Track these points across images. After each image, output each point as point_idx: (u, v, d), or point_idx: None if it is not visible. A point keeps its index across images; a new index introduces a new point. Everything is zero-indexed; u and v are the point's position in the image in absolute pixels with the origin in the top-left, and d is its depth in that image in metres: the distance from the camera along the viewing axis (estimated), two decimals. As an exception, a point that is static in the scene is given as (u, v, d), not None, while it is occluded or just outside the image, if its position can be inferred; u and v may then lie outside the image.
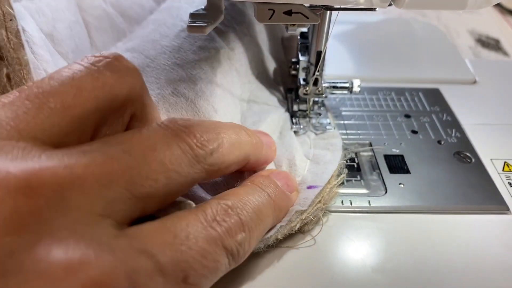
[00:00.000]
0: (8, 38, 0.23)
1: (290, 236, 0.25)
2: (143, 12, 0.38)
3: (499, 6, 0.58)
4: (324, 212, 0.26)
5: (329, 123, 0.34)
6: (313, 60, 0.32)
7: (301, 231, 0.25)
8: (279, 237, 0.23)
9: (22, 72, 0.23)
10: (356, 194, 0.28)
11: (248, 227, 0.20)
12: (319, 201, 0.26)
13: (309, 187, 0.27)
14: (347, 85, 0.34)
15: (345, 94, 0.36)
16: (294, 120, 0.34)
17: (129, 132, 0.19)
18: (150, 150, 0.18)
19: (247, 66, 0.35)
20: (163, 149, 0.18)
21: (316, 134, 0.33)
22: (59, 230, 0.14)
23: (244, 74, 0.34)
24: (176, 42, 0.31)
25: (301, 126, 0.34)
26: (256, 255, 0.24)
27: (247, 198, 0.21)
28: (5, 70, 0.23)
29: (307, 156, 0.30)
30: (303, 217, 0.24)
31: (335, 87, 0.34)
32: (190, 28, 0.24)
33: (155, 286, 0.16)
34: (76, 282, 0.13)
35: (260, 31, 0.39)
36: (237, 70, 0.33)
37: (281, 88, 0.38)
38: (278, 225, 0.23)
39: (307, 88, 0.33)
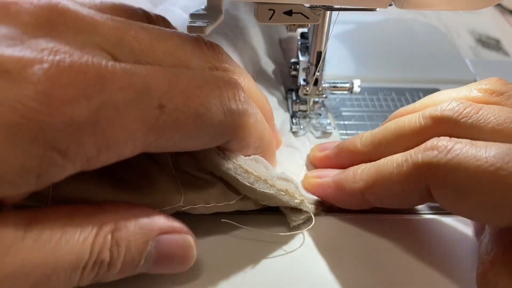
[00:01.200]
0: None
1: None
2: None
3: (499, 6, 0.58)
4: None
5: (329, 123, 0.34)
6: (313, 61, 0.32)
7: (292, 222, 0.25)
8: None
9: None
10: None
11: (253, 109, 0.21)
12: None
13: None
14: (347, 85, 0.34)
15: (345, 94, 0.36)
16: (294, 121, 0.34)
17: None
18: (166, 37, 0.20)
19: None
20: (179, 42, 0.21)
21: (315, 137, 0.33)
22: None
23: None
24: None
25: (301, 127, 0.34)
26: (254, 255, 0.24)
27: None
28: None
29: (304, 161, 0.30)
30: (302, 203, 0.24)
31: (335, 87, 0.34)
32: (190, 28, 0.24)
33: (123, 96, 0.17)
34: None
35: (256, 34, 0.38)
36: None
37: (281, 89, 0.38)
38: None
39: (307, 88, 0.33)
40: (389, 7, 0.24)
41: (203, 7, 0.26)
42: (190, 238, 0.20)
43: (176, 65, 0.20)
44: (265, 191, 0.23)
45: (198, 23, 0.24)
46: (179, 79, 0.18)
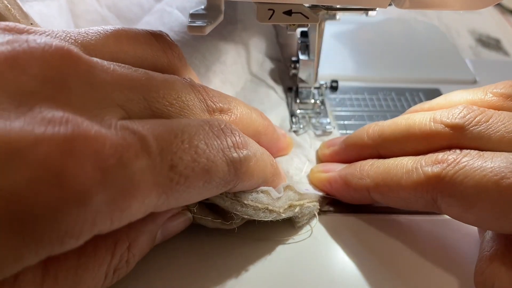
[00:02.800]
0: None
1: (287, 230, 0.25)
2: (142, 12, 0.37)
3: (499, 6, 0.58)
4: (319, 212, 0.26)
5: (329, 122, 0.34)
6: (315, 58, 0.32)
7: (296, 224, 0.25)
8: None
9: None
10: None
11: (252, 149, 0.21)
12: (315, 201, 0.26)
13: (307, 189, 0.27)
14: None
15: (345, 94, 0.36)
16: (294, 120, 0.34)
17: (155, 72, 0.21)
18: (170, 83, 0.20)
19: (239, 74, 0.35)
20: (181, 88, 0.20)
21: (316, 134, 0.33)
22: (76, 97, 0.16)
23: (237, 83, 0.35)
24: None
25: (301, 126, 0.34)
26: (253, 253, 0.24)
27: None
28: None
29: (306, 157, 0.30)
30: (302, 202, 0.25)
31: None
32: (190, 28, 0.24)
33: (139, 164, 0.16)
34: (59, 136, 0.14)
35: (253, 33, 0.38)
36: (230, 83, 0.33)
37: (281, 87, 0.38)
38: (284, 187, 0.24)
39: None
40: (389, 7, 0.24)
41: (202, 7, 0.26)
42: (186, 212, 0.23)
43: (183, 110, 0.20)
44: (265, 219, 0.23)
45: (198, 23, 0.24)
46: (185, 133, 0.18)
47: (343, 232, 0.26)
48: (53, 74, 0.16)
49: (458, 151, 0.21)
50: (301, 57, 0.33)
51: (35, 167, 0.13)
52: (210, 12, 0.25)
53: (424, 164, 0.21)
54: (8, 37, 0.16)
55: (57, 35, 0.19)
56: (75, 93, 0.16)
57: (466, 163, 0.20)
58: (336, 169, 0.27)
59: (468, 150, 0.21)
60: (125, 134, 0.16)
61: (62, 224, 0.14)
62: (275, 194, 0.24)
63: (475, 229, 0.26)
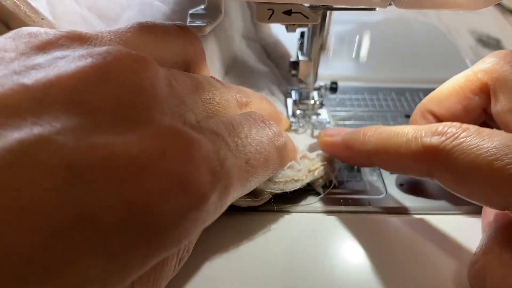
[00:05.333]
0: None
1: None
2: (121, 9, 0.36)
3: (499, 6, 0.58)
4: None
5: (329, 122, 0.34)
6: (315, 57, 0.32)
7: (316, 186, 0.28)
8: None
9: None
10: (356, 194, 0.28)
11: (284, 135, 0.24)
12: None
13: None
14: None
15: (345, 94, 0.36)
16: (293, 119, 0.34)
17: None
18: (213, 85, 0.21)
19: (223, 60, 0.35)
20: (220, 87, 0.22)
21: (315, 133, 0.33)
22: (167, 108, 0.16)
23: (221, 68, 0.35)
24: None
25: (301, 125, 0.34)
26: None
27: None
28: None
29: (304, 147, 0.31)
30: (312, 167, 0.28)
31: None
32: (190, 28, 0.24)
33: (229, 161, 0.17)
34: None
35: (228, 15, 0.38)
36: (218, 70, 0.34)
37: (281, 87, 0.38)
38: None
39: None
40: (389, 7, 0.24)
41: (202, 6, 0.26)
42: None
43: (226, 108, 0.21)
44: (293, 189, 0.26)
45: (198, 23, 0.24)
46: (245, 128, 0.20)
47: (343, 232, 0.26)
48: (144, 84, 0.16)
49: (458, 124, 0.22)
50: (301, 58, 0.33)
51: (163, 178, 0.14)
52: (210, 12, 0.25)
53: (423, 134, 0.22)
54: (85, 49, 0.16)
55: (111, 40, 0.18)
56: (165, 101, 0.16)
57: (464, 139, 0.20)
58: (340, 134, 0.28)
59: (468, 125, 0.21)
60: (212, 137, 0.17)
61: (184, 228, 0.14)
62: (297, 166, 0.26)
63: (477, 229, 0.26)
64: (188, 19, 0.25)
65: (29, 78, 0.14)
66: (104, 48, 0.16)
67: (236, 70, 0.37)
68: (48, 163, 0.12)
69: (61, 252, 0.12)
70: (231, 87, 0.23)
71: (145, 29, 0.20)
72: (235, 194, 0.18)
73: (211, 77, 0.22)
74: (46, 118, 0.13)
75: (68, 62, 0.15)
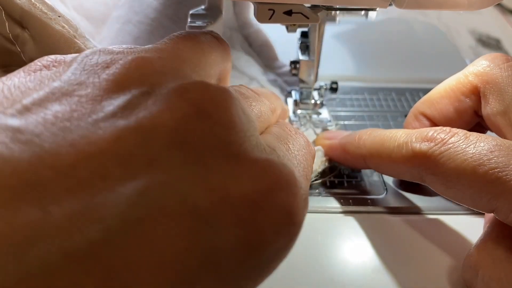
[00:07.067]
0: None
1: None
2: (107, 10, 0.36)
3: (499, 6, 0.58)
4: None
5: (329, 120, 0.34)
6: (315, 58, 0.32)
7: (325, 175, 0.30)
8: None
9: None
10: (356, 194, 0.28)
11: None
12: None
13: None
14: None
15: (345, 94, 0.36)
16: (294, 119, 0.34)
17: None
18: (262, 94, 0.22)
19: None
20: (263, 101, 0.21)
21: (315, 133, 0.33)
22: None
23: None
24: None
25: (302, 123, 0.34)
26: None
27: None
28: None
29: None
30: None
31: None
32: (190, 28, 0.24)
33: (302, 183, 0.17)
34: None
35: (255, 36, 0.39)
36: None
37: (281, 87, 0.38)
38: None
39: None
40: (389, 7, 0.24)
41: (202, 7, 0.26)
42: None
43: (270, 118, 0.21)
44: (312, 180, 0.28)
45: (198, 23, 0.24)
46: (292, 144, 0.20)
47: (344, 232, 0.26)
48: (234, 118, 0.15)
49: (447, 129, 0.22)
50: (301, 57, 0.33)
51: (275, 214, 0.14)
52: (210, 12, 0.25)
53: (414, 140, 0.22)
54: (171, 84, 0.15)
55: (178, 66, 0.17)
56: (246, 129, 0.15)
57: (451, 145, 0.21)
58: (338, 137, 0.29)
59: (457, 130, 0.22)
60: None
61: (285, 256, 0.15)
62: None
63: (478, 228, 0.26)
64: (189, 19, 0.25)
65: (129, 121, 0.13)
66: (186, 83, 0.15)
67: None
68: (176, 211, 0.12)
69: None
70: (259, 93, 0.23)
71: (190, 44, 0.19)
72: None
73: (243, 85, 0.22)
74: (159, 164, 0.12)
75: (160, 101, 0.14)
